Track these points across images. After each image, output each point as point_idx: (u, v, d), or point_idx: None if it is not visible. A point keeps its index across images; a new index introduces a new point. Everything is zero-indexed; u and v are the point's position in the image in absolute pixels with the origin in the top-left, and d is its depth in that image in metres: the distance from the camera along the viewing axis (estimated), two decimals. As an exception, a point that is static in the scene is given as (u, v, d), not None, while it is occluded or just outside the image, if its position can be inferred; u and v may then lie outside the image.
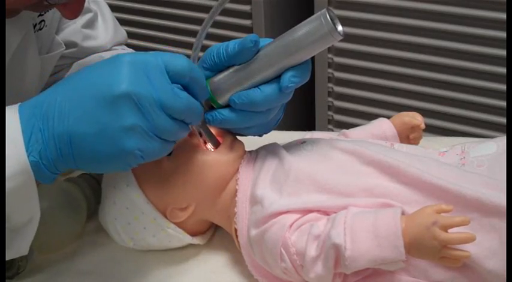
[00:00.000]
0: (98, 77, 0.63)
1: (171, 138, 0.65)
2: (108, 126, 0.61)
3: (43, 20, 0.85)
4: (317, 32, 0.67)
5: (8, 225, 0.62)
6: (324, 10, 0.67)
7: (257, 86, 0.70)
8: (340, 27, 0.67)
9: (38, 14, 0.83)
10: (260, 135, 0.79)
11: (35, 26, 0.83)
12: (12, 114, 0.62)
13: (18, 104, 0.64)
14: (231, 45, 0.70)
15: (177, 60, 0.64)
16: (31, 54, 0.83)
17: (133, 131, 0.61)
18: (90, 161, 0.63)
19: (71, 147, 0.62)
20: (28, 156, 0.61)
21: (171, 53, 0.66)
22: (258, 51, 0.70)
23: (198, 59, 0.73)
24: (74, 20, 0.94)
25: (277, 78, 0.70)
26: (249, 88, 0.71)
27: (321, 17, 0.67)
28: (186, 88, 0.65)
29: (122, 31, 1.04)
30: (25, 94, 0.71)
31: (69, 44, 0.94)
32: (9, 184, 0.60)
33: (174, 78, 0.64)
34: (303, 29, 0.68)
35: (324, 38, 0.67)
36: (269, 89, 0.70)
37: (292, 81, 0.69)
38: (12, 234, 0.64)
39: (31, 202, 0.64)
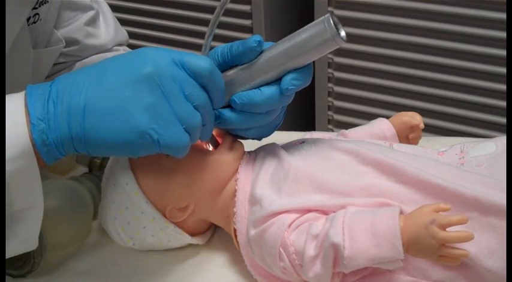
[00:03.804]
0: (123, 61, 0.64)
1: (192, 130, 0.64)
2: (127, 103, 0.61)
3: (37, 13, 0.85)
4: (320, 37, 0.67)
5: (12, 211, 0.62)
6: (328, 15, 0.67)
7: (258, 87, 0.71)
8: (343, 33, 0.67)
9: (32, 7, 0.83)
10: (259, 139, 0.79)
11: (28, 19, 0.83)
12: (17, 96, 0.62)
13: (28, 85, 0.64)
14: (235, 45, 0.71)
15: (200, 60, 0.65)
16: (24, 46, 0.83)
17: (152, 109, 0.61)
18: (101, 139, 0.62)
19: (83, 121, 0.61)
20: (33, 129, 0.61)
21: (195, 54, 0.67)
22: (261, 53, 0.70)
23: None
24: (76, 17, 0.94)
25: (279, 80, 0.70)
26: (250, 89, 0.71)
27: (324, 22, 0.67)
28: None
29: (123, 31, 1.04)
30: (16, 85, 0.71)
31: (71, 41, 0.94)
32: (9, 167, 0.60)
33: (193, 77, 0.65)
34: (306, 33, 0.68)
35: (327, 43, 0.67)
36: (270, 90, 0.70)
37: (292, 83, 0.69)
38: (18, 224, 0.63)
39: (33, 187, 0.63)
